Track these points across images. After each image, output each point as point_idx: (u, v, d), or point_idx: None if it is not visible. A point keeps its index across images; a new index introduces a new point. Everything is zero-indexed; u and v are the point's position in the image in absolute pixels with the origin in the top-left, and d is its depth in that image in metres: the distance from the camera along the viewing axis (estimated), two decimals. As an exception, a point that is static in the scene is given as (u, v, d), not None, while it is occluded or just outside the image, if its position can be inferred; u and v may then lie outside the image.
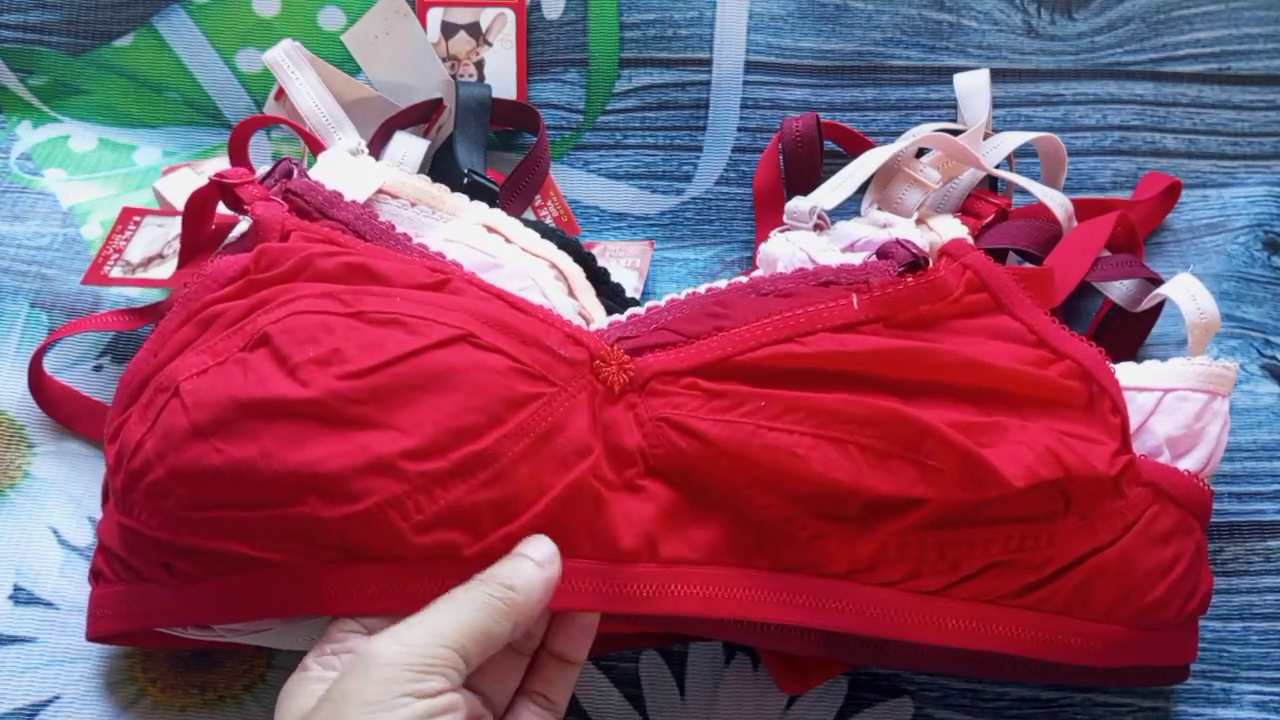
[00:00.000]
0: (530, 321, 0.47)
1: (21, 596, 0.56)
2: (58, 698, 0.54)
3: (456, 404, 0.45)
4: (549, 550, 0.45)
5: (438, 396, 0.45)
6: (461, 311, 0.47)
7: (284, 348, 0.45)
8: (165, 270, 0.59)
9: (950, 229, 0.58)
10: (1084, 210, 0.61)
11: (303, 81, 0.61)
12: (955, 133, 0.61)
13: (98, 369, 0.61)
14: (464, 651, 0.41)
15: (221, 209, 0.56)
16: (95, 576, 0.49)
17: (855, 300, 0.49)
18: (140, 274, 0.60)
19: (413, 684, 0.40)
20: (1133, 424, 0.51)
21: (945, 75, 0.66)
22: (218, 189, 0.53)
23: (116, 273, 0.60)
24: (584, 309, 0.54)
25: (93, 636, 0.50)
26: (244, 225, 0.55)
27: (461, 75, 0.65)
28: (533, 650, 0.47)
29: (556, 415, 0.46)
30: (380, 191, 0.55)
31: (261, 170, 0.55)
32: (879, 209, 0.60)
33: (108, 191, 0.66)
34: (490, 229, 0.55)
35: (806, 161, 0.63)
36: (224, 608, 0.45)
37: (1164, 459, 0.51)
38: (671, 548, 0.46)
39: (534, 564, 0.44)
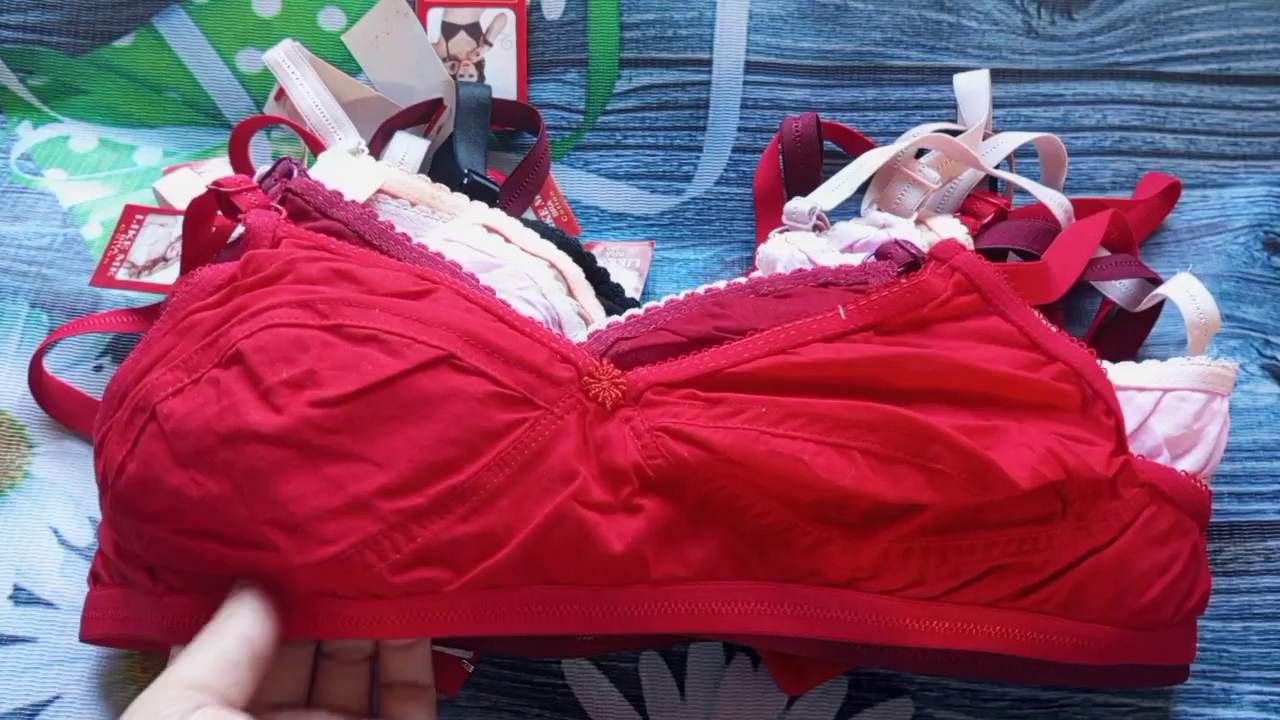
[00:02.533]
0: (516, 338, 0.47)
1: (21, 596, 0.56)
2: (58, 698, 0.54)
3: (433, 436, 0.44)
4: (245, 594, 0.44)
5: (414, 427, 0.44)
6: (443, 328, 0.46)
7: (257, 368, 0.44)
8: (169, 273, 0.59)
9: (949, 229, 0.58)
10: (1083, 210, 0.61)
11: (303, 81, 0.61)
12: (955, 133, 0.61)
13: (98, 369, 0.61)
14: (194, 684, 0.41)
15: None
16: (94, 578, 0.49)
17: (842, 311, 0.48)
18: (145, 277, 0.60)
19: None
20: (1132, 424, 0.51)
21: (945, 75, 0.66)
22: (215, 198, 0.53)
23: (122, 275, 0.60)
24: (583, 309, 0.54)
25: (85, 638, 0.49)
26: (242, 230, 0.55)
27: (461, 75, 0.65)
28: (368, 656, 0.47)
29: (540, 441, 0.45)
30: (380, 191, 0.55)
31: (261, 170, 0.55)
32: (878, 209, 0.60)
33: (108, 191, 0.66)
34: (490, 229, 0.55)
35: (806, 162, 0.63)
36: (199, 626, 0.44)
37: (1163, 459, 0.51)
38: (663, 568, 0.46)
39: (234, 605, 0.43)
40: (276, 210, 0.51)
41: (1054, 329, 0.50)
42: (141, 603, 0.46)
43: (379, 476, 0.43)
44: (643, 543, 0.46)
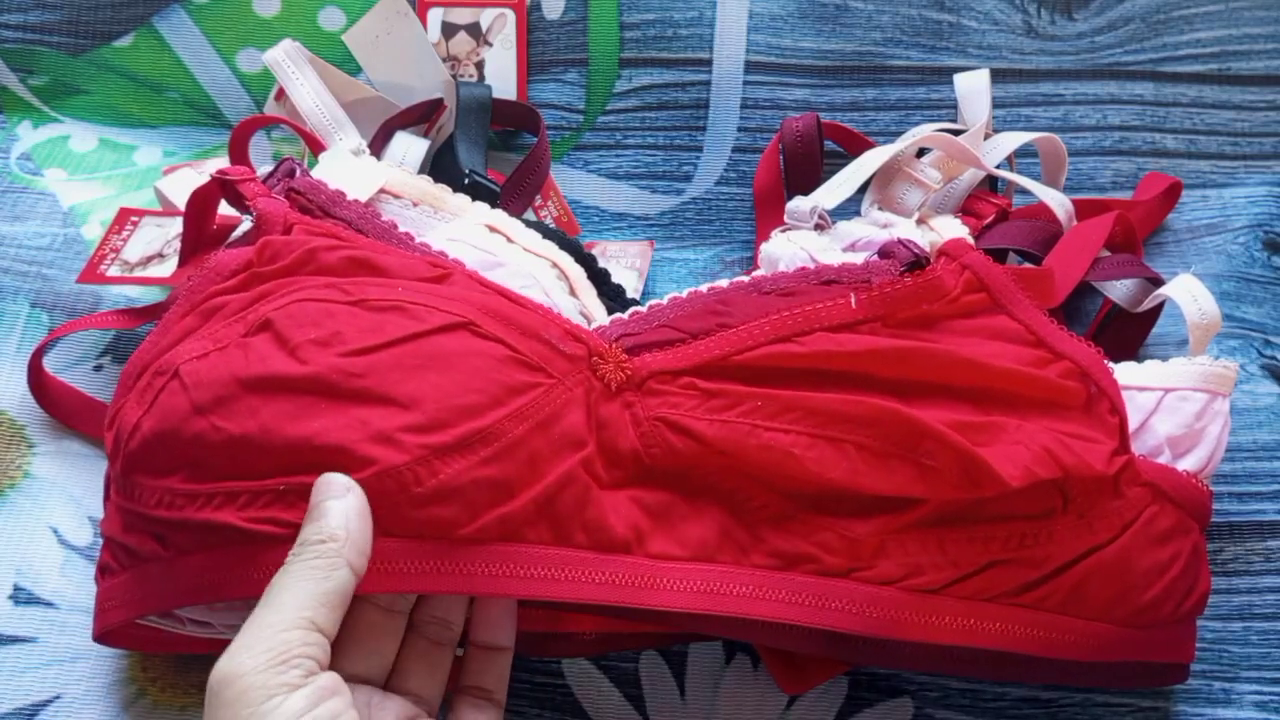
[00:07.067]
0: (530, 315, 0.48)
1: (21, 596, 0.56)
2: (58, 698, 0.54)
3: (458, 383, 0.45)
4: (339, 480, 0.43)
5: (439, 375, 0.45)
6: (462, 301, 0.47)
7: (285, 330, 0.45)
8: (165, 269, 0.59)
9: (951, 229, 0.58)
10: (1084, 210, 0.61)
11: (303, 81, 0.61)
12: (956, 133, 0.61)
13: (98, 369, 0.61)
14: (311, 623, 0.40)
15: (222, 210, 0.56)
16: (101, 572, 0.49)
17: (853, 300, 0.49)
18: (139, 273, 0.60)
19: (275, 680, 0.38)
20: (1134, 423, 0.51)
21: (945, 75, 0.66)
22: (219, 186, 0.53)
23: (114, 272, 0.60)
24: (585, 309, 0.54)
25: (99, 634, 0.49)
26: (246, 225, 0.55)
27: (462, 75, 0.66)
28: (454, 640, 0.47)
29: (554, 405, 0.46)
30: (382, 191, 0.55)
31: (263, 170, 0.55)
32: (880, 209, 0.60)
33: (108, 191, 0.66)
34: (493, 229, 0.55)
35: (806, 161, 0.63)
36: (216, 584, 0.44)
37: (1164, 459, 0.51)
38: (659, 545, 0.46)
39: (332, 500, 0.42)
40: (281, 200, 0.51)
41: (1060, 327, 0.50)
42: (154, 575, 0.46)
43: (405, 416, 0.44)
44: (639, 519, 0.46)
